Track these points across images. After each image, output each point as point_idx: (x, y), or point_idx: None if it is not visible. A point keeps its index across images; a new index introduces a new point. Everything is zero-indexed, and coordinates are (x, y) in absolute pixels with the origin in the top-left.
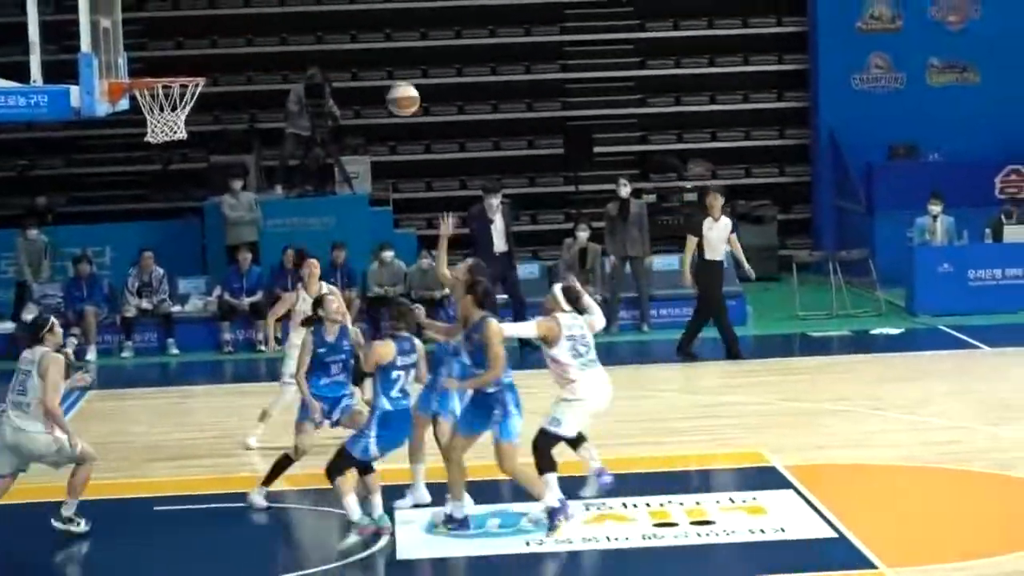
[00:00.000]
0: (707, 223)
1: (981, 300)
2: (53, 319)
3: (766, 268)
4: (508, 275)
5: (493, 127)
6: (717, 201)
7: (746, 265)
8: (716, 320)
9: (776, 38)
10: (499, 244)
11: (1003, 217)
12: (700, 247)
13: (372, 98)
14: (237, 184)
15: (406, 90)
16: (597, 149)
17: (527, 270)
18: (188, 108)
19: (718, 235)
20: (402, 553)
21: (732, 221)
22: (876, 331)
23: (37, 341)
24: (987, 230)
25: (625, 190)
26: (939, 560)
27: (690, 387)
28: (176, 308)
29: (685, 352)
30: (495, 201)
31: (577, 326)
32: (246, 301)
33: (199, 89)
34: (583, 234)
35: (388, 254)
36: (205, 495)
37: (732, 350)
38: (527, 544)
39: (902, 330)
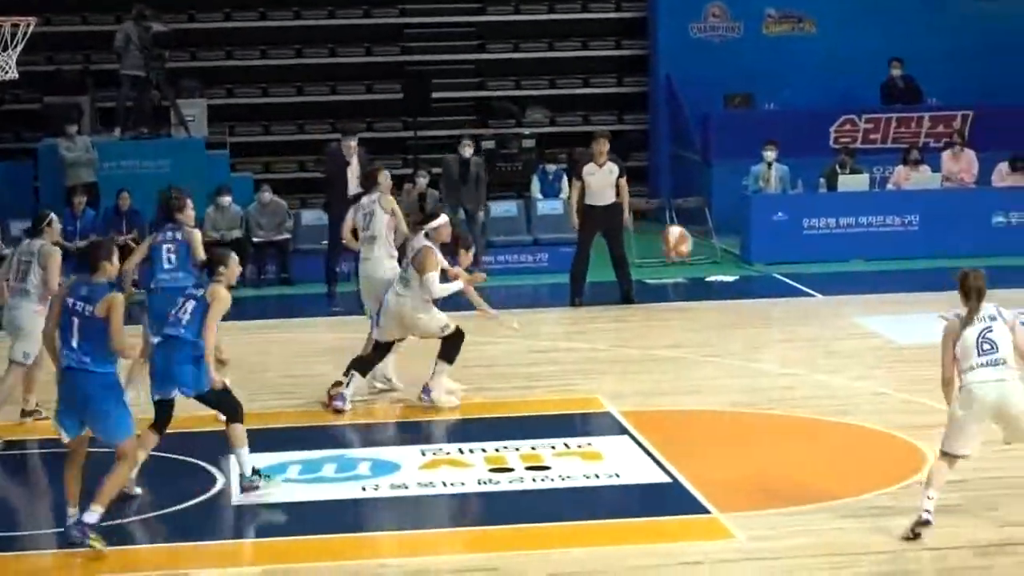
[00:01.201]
0: (588, 168)
1: (815, 249)
2: (52, 215)
3: None
4: None
5: (331, 71)
6: (602, 147)
7: (626, 215)
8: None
9: None
10: (354, 187)
11: (837, 167)
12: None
13: (208, 40)
14: (72, 129)
15: None
16: (435, 95)
17: None
18: (20, 48)
19: (599, 181)
20: (237, 498)
21: (621, 167)
22: (711, 278)
23: (37, 233)
24: (821, 179)
25: (468, 151)
26: (772, 505)
27: (527, 333)
28: (8, 251)
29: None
30: (352, 143)
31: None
32: (78, 244)
33: (31, 29)
34: (422, 180)
35: (225, 199)
36: (41, 439)
37: (574, 296)
38: (363, 489)
39: (737, 277)
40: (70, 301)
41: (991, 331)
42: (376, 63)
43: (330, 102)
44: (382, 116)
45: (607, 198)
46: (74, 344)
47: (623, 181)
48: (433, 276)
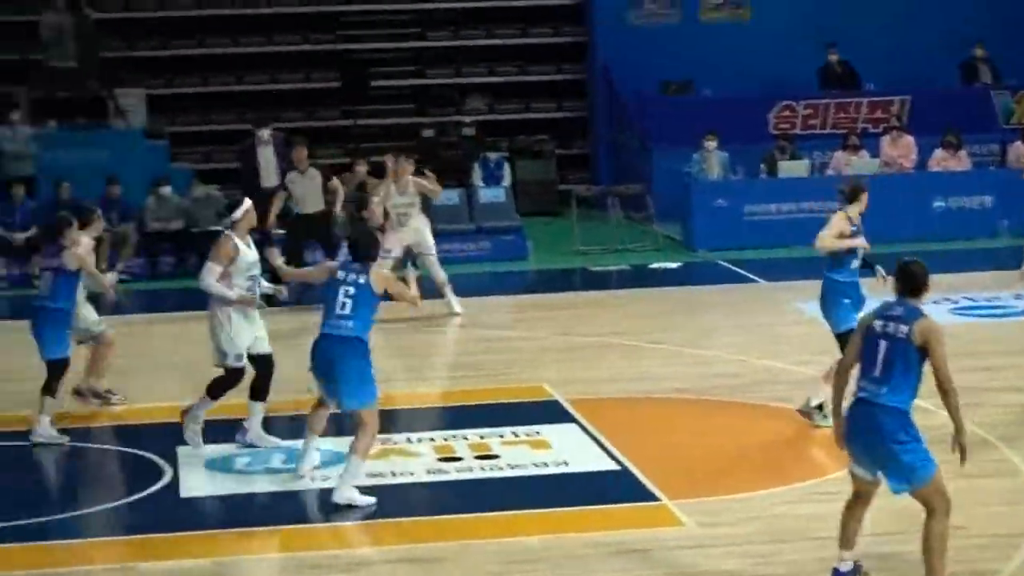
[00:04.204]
0: (290, 176)
1: (756, 234)
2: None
3: (545, 203)
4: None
5: (269, 59)
6: (300, 153)
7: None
8: None
9: None
10: (269, 178)
11: (777, 153)
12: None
13: (145, 29)
14: (15, 115)
15: None
16: (374, 83)
17: None
18: None
19: (302, 188)
20: (185, 491)
21: (318, 173)
22: (655, 265)
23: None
24: (762, 165)
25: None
26: (720, 492)
27: (473, 322)
28: None
29: None
30: (265, 134)
31: None
32: (20, 236)
33: None
34: (361, 168)
35: (165, 189)
36: None
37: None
38: (312, 480)
39: (680, 264)
40: None
41: None
42: (314, 51)
43: (269, 91)
44: (321, 104)
45: (311, 205)
46: None
47: (334, 184)
48: (210, 265)
